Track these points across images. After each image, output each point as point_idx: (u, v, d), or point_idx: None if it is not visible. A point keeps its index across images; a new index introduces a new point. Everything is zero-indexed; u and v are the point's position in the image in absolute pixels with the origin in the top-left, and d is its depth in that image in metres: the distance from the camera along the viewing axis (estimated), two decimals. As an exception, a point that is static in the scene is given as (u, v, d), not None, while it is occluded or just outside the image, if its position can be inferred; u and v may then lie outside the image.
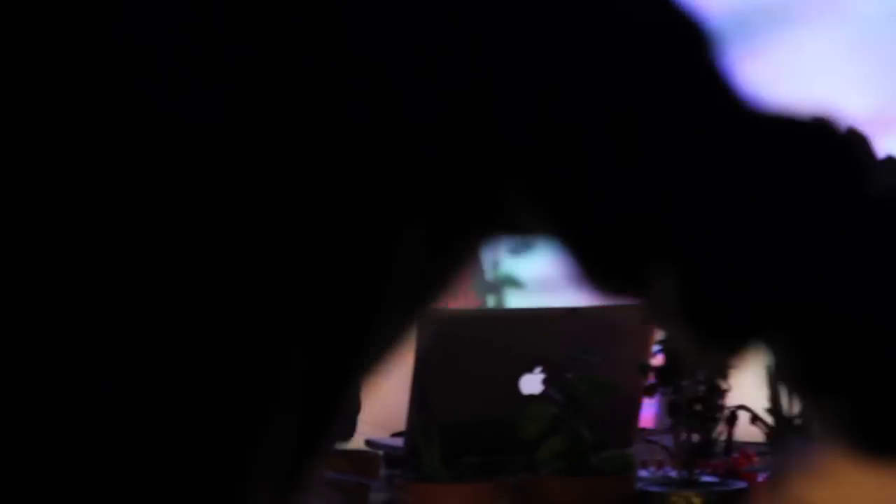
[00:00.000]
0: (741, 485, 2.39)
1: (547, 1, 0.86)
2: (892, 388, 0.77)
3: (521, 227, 0.88)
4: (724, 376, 2.41)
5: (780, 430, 2.43)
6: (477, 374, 2.60)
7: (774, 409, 2.41)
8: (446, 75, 0.82)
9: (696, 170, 0.83)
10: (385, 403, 3.22)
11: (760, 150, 0.83)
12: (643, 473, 2.43)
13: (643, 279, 0.82)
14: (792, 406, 2.36)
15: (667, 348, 2.44)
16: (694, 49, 0.84)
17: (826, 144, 0.81)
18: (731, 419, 2.46)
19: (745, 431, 2.53)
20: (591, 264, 0.83)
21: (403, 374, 2.89)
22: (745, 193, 0.82)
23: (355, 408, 3.83)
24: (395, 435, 2.86)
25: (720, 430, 2.44)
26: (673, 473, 2.38)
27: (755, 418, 2.44)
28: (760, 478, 2.44)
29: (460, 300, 3.74)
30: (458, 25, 0.83)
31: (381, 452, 2.73)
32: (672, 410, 2.43)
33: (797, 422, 2.35)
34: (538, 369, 2.50)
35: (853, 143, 0.83)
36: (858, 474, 0.85)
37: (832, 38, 4.64)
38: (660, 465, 2.44)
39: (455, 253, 0.89)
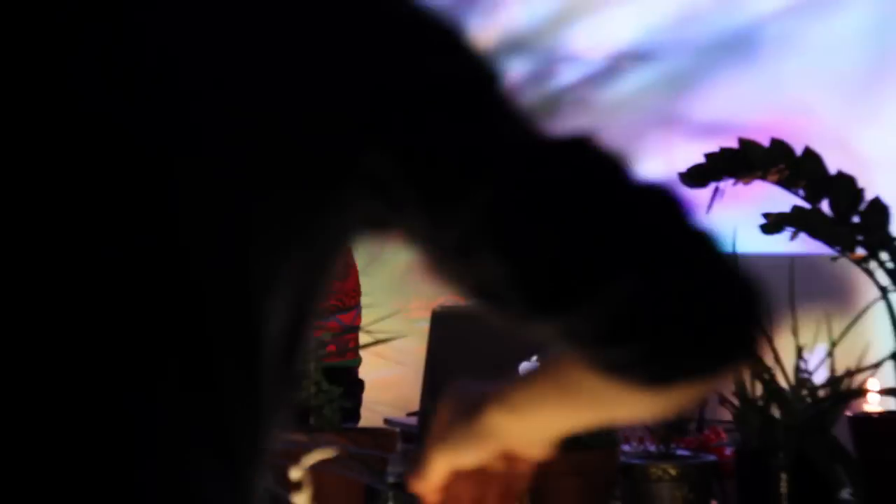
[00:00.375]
0: (711, 458, 2.56)
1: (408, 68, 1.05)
2: (668, 337, 0.98)
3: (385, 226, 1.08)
4: None
5: (745, 409, 2.55)
6: (481, 362, 2.57)
7: (739, 392, 2.52)
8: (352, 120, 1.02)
9: (534, 193, 1.03)
10: (402, 388, 3.54)
11: (548, 169, 1.05)
12: (625, 448, 2.57)
13: (479, 275, 1.01)
14: (753, 389, 2.50)
15: None
16: (488, 90, 1.05)
17: (590, 158, 1.03)
18: (702, 401, 2.69)
19: (715, 412, 2.74)
20: (435, 258, 1.03)
21: (418, 364, 3.23)
22: (539, 201, 1.03)
23: (358, 396, 3.98)
24: (410, 414, 3.17)
25: (692, 410, 2.62)
26: (651, 448, 2.54)
27: (723, 400, 2.54)
28: (728, 451, 2.64)
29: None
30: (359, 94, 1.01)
31: (398, 430, 2.89)
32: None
33: (759, 403, 2.50)
34: (534, 357, 2.52)
35: (604, 153, 1.04)
36: (548, 407, 1.13)
37: (794, 64, 4.87)
38: (640, 441, 2.58)
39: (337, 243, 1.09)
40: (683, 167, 2.59)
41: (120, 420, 0.94)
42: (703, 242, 1.02)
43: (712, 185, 2.52)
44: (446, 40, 1.07)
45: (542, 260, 1.02)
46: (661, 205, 1.04)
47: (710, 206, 2.50)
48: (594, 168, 1.04)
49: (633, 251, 1.03)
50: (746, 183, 2.57)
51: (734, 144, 2.58)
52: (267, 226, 1.03)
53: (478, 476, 1.24)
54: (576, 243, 1.02)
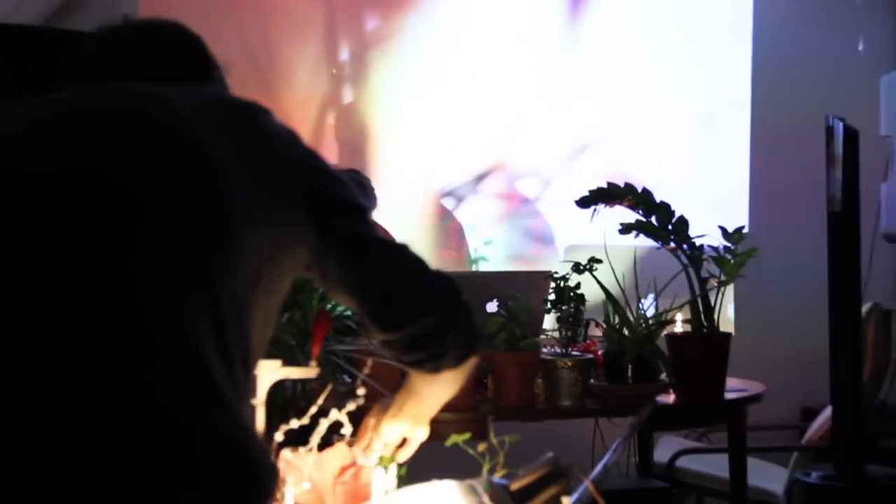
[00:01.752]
0: (590, 356, 3.39)
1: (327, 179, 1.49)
2: (454, 347, 1.58)
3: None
4: (583, 305, 3.37)
5: (609, 330, 3.37)
6: (473, 303, 2.37)
7: (606, 320, 3.33)
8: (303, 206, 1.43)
9: (394, 259, 1.55)
10: None
11: (405, 254, 1.59)
12: (545, 350, 3.37)
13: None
14: (614, 319, 3.34)
15: (555, 292, 3.38)
16: (361, 211, 1.54)
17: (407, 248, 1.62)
18: (587, 324, 3.49)
19: (591, 331, 3.56)
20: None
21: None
22: (422, 279, 1.59)
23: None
24: None
25: (581, 329, 3.45)
26: (558, 350, 3.35)
27: (597, 324, 3.42)
28: (600, 352, 3.44)
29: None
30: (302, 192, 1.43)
31: None
32: (558, 320, 3.37)
33: (616, 326, 3.32)
34: (495, 300, 3.29)
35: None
36: (424, 386, 1.77)
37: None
38: (552, 346, 3.39)
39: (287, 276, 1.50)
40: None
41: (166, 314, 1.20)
42: (455, 294, 1.59)
43: (593, 208, 3.34)
44: (344, 180, 1.52)
45: (374, 309, 1.55)
46: (444, 275, 1.60)
47: (591, 218, 3.36)
48: (398, 254, 1.56)
49: (435, 302, 1.55)
50: (611, 206, 3.34)
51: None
52: (267, 247, 1.39)
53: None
54: (390, 296, 1.54)
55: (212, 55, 1.63)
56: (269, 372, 1.90)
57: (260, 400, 1.80)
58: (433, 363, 1.59)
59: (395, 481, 2.06)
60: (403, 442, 1.97)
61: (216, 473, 1.14)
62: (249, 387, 1.32)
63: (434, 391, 1.78)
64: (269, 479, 1.23)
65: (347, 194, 1.51)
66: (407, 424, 1.90)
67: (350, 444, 2.03)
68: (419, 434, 1.93)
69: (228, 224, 1.29)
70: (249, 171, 1.36)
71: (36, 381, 1.10)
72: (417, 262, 1.55)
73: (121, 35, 1.60)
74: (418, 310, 1.52)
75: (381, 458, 1.96)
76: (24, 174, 1.25)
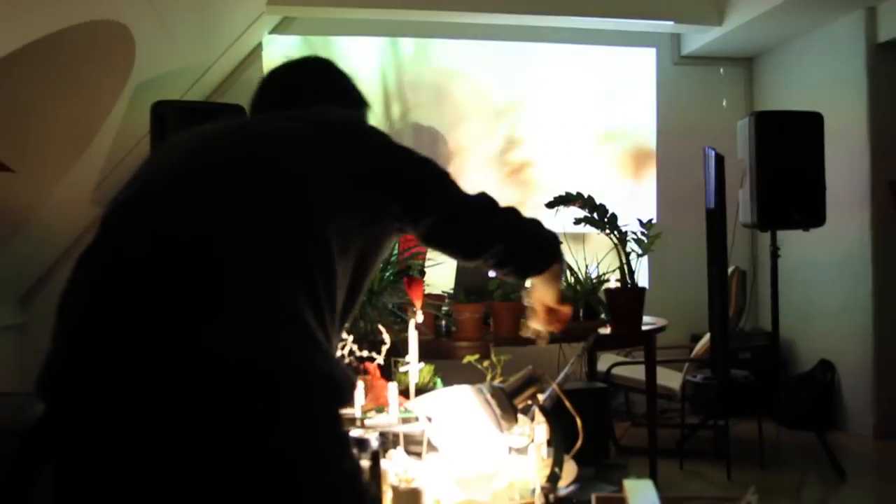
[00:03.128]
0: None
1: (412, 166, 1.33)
2: (526, 256, 1.42)
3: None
4: None
5: (570, 287, 3.34)
6: (480, 270, 2.51)
7: (567, 280, 3.29)
8: (392, 196, 1.29)
9: (455, 214, 1.35)
10: (448, 279, 3.66)
11: (471, 205, 1.37)
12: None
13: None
14: (572, 277, 3.34)
15: None
16: (438, 177, 1.34)
17: (484, 199, 1.37)
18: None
19: None
20: (422, 241, 1.36)
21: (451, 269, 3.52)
22: (483, 222, 1.37)
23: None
24: (451, 290, 3.40)
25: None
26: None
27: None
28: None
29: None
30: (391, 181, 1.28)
31: (445, 296, 3.34)
32: None
33: (570, 283, 3.33)
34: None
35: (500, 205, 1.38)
36: (535, 282, 1.57)
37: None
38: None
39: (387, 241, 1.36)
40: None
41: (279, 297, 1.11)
42: (533, 223, 1.42)
43: (556, 208, 3.35)
44: (424, 159, 1.35)
45: (461, 241, 1.38)
46: (507, 210, 1.39)
47: (555, 215, 3.34)
48: (483, 203, 1.38)
49: (500, 233, 1.37)
50: (568, 207, 3.35)
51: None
52: (353, 227, 1.25)
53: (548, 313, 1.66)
54: (475, 233, 1.37)
55: (342, 79, 1.50)
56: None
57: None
58: (519, 273, 1.45)
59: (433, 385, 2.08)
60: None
61: (310, 389, 1.10)
62: (339, 329, 1.22)
63: (540, 285, 1.57)
64: (346, 391, 1.17)
65: (432, 171, 1.35)
66: (542, 300, 1.63)
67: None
68: (553, 300, 1.62)
69: (308, 215, 1.19)
70: (335, 172, 1.24)
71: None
72: (488, 206, 1.37)
73: (274, 73, 1.51)
74: (491, 241, 1.35)
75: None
76: (182, 191, 1.20)
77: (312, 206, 1.18)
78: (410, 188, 1.31)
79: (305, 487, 1.06)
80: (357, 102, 1.51)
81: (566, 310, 1.65)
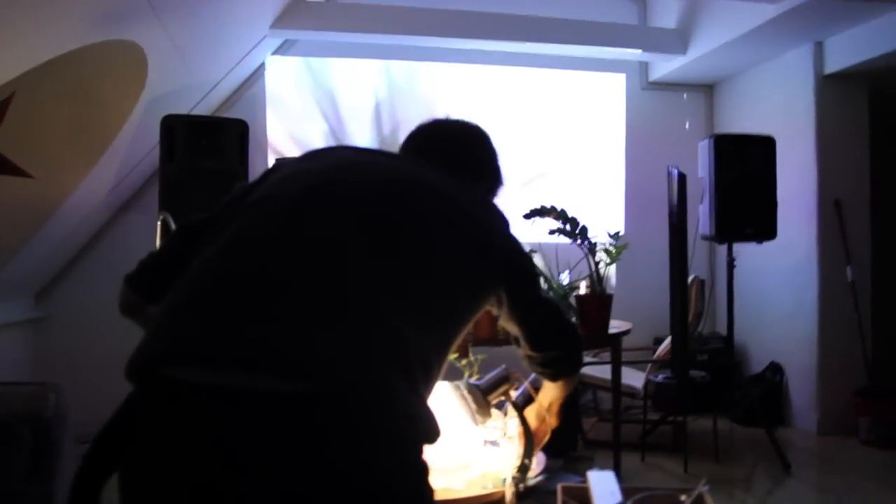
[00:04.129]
0: None
1: (513, 248, 1.34)
2: (565, 367, 1.51)
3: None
4: None
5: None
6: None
7: (543, 280, 3.59)
8: (499, 269, 1.30)
9: (547, 315, 1.43)
10: None
11: (554, 311, 1.46)
12: None
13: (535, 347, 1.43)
14: (545, 284, 3.27)
15: None
16: (533, 275, 1.40)
17: (559, 308, 1.47)
18: None
19: None
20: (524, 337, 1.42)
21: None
22: (555, 325, 1.46)
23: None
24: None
25: None
26: None
27: None
28: None
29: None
30: (497, 254, 1.29)
31: None
32: None
33: (549, 292, 3.32)
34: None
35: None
36: (549, 388, 1.64)
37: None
38: None
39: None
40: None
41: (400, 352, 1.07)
42: (580, 342, 1.50)
43: (533, 219, 3.27)
44: (521, 248, 1.37)
45: (539, 336, 1.44)
46: (572, 326, 1.50)
47: (532, 224, 3.26)
48: (556, 310, 1.46)
49: (563, 342, 1.47)
50: (543, 218, 3.28)
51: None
52: (462, 298, 1.25)
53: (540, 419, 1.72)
54: (550, 334, 1.45)
55: (490, 156, 1.54)
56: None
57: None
58: (554, 376, 1.55)
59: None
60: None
61: (408, 428, 1.08)
62: (435, 376, 1.19)
63: (554, 390, 1.66)
64: (436, 435, 1.15)
65: (530, 268, 1.41)
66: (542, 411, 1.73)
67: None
68: (550, 421, 1.73)
69: (441, 268, 1.19)
70: (474, 242, 1.25)
71: (310, 347, 1.02)
72: (560, 315, 1.48)
73: (434, 129, 1.53)
74: (553, 345, 1.47)
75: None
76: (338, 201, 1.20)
77: (455, 272, 1.20)
78: (519, 276, 1.35)
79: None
80: (496, 179, 1.56)
81: (553, 422, 1.71)
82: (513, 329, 1.44)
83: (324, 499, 0.98)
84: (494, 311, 1.39)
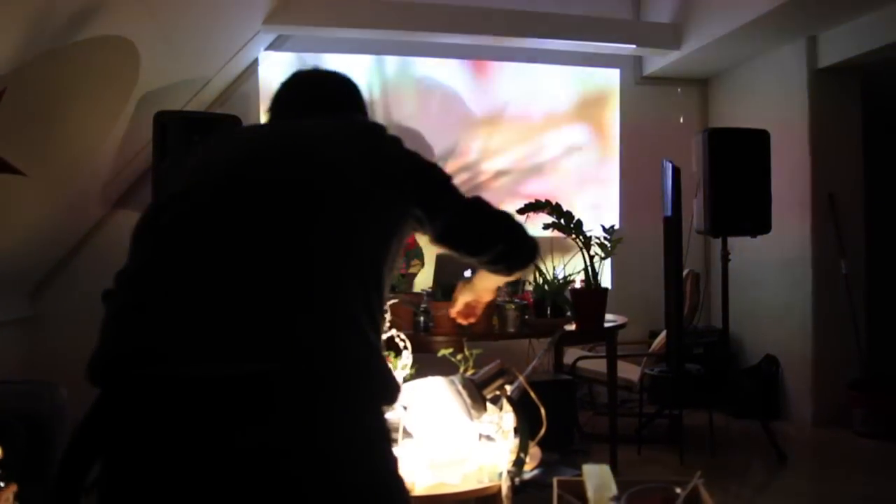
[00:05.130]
0: (525, 302, 3.30)
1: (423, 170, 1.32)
2: (518, 256, 1.42)
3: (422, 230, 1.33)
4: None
5: (537, 285, 3.30)
6: (456, 271, 2.86)
7: (535, 279, 3.30)
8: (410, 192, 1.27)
9: (471, 215, 1.37)
10: (426, 279, 3.84)
11: (477, 208, 1.38)
12: (499, 299, 3.24)
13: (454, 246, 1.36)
14: (537, 278, 3.27)
15: None
16: (447, 182, 1.34)
17: (485, 203, 1.38)
18: (524, 283, 3.45)
19: (526, 286, 3.48)
20: (432, 239, 1.35)
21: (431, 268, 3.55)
22: (484, 221, 1.39)
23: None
24: (430, 287, 3.47)
25: (520, 286, 3.42)
26: (507, 298, 3.30)
27: (529, 283, 3.38)
28: (531, 298, 3.32)
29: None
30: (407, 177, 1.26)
31: (424, 294, 3.35)
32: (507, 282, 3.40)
33: (540, 282, 3.27)
34: (469, 270, 2.67)
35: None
36: (480, 279, 1.67)
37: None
38: (503, 296, 3.30)
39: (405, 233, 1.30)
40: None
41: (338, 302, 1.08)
42: (522, 229, 1.42)
43: (527, 214, 3.27)
44: (422, 161, 1.34)
45: (470, 241, 1.39)
46: (504, 215, 1.41)
47: (526, 220, 3.21)
48: (479, 205, 1.40)
49: (500, 235, 1.39)
50: (538, 213, 3.30)
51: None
52: (380, 218, 1.23)
53: (469, 305, 1.81)
54: (481, 234, 1.38)
55: (360, 93, 1.51)
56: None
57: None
58: (507, 271, 1.47)
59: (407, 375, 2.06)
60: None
61: (366, 390, 1.10)
62: (381, 323, 1.19)
63: (491, 277, 1.65)
64: (392, 390, 1.17)
65: (441, 178, 1.37)
66: (473, 296, 1.78)
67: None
68: (481, 304, 1.81)
69: (357, 217, 1.18)
70: (375, 175, 1.22)
71: (248, 327, 1.03)
72: (489, 211, 1.40)
73: (308, 81, 1.50)
74: (491, 241, 1.39)
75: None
76: (248, 179, 1.18)
77: (362, 208, 1.18)
78: (428, 189, 1.31)
79: (350, 477, 1.07)
80: (365, 112, 1.52)
81: (481, 308, 1.78)
82: (444, 247, 1.40)
83: (294, 470, 1.01)
84: (421, 233, 1.39)
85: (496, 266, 1.43)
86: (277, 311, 1.03)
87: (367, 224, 1.18)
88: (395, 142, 1.32)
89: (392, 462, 1.16)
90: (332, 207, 1.15)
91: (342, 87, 1.48)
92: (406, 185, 1.27)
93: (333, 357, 1.04)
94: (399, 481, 1.17)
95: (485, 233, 1.38)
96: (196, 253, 1.09)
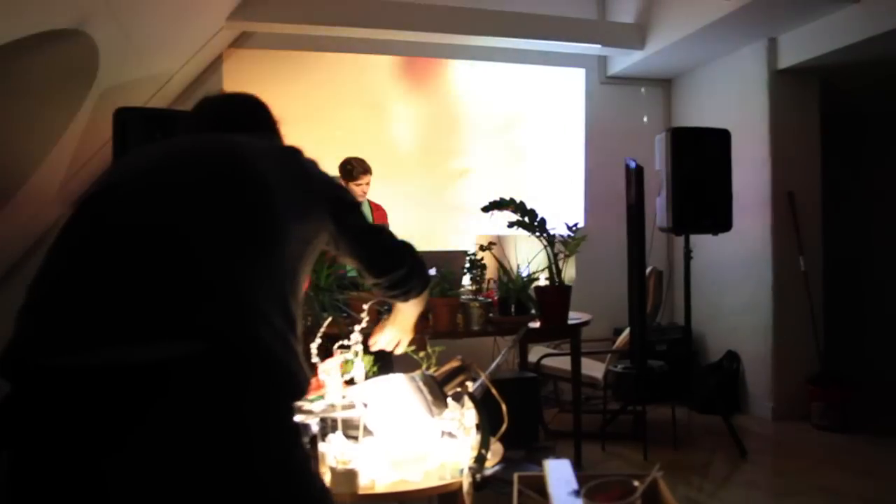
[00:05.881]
0: (490, 300, 3.31)
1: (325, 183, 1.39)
2: (413, 284, 1.52)
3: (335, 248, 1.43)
4: (485, 270, 3.33)
5: (501, 283, 3.30)
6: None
7: (499, 276, 3.32)
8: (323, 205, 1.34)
9: (378, 238, 1.48)
10: None
11: (384, 233, 1.50)
12: (463, 297, 3.32)
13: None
14: (501, 275, 3.29)
15: (469, 262, 3.34)
16: (353, 202, 1.43)
17: (390, 231, 1.50)
18: (488, 281, 3.46)
19: (490, 284, 3.47)
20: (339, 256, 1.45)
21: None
22: (390, 246, 1.49)
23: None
24: None
25: (484, 284, 3.43)
26: (471, 296, 3.34)
27: (493, 280, 3.40)
28: (495, 297, 3.33)
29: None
30: (317, 192, 1.33)
31: None
32: (471, 279, 3.37)
33: (504, 280, 3.27)
34: (434, 268, 3.11)
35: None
36: (405, 307, 1.74)
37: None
38: (467, 294, 3.36)
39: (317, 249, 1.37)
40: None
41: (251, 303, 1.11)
42: (422, 260, 1.53)
43: (491, 212, 3.31)
44: (336, 183, 1.44)
45: (374, 260, 1.48)
46: (407, 244, 1.53)
47: (491, 217, 3.33)
48: (387, 232, 1.50)
49: (403, 260, 1.49)
50: (502, 211, 3.31)
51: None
52: (305, 235, 1.30)
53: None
54: (385, 255, 1.48)
55: (273, 115, 1.55)
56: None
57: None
58: (405, 296, 1.55)
59: (368, 373, 2.05)
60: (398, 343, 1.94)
61: (275, 380, 1.10)
62: (298, 323, 1.22)
63: (409, 310, 1.74)
64: (302, 384, 1.18)
65: (349, 198, 1.45)
66: (396, 331, 1.87)
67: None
68: (406, 337, 1.89)
69: (278, 225, 1.21)
70: (294, 190, 1.28)
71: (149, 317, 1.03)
72: (392, 237, 1.51)
73: (219, 102, 1.53)
74: (394, 266, 1.48)
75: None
76: (160, 182, 1.19)
77: (279, 211, 1.20)
78: (339, 207, 1.39)
79: (259, 469, 1.06)
80: (279, 133, 1.56)
81: (407, 339, 1.88)
82: (352, 261, 1.47)
83: (201, 458, 1.01)
84: (332, 251, 1.44)
85: (394, 291, 1.51)
86: (179, 296, 1.05)
87: (283, 227, 1.21)
88: (313, 162, 1.38)
89: (305, 453, 1.16)
90: (252, 208, 1.18)
91: (256, 109, 1.52)
92: (320, 200, 1.33)
93: (244, 344, 1.05)
94: (313, 472, 1.18)
95: (389, 255, 1.48)
96: (100, 246, 1.11)
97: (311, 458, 1.17)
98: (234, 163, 1.23)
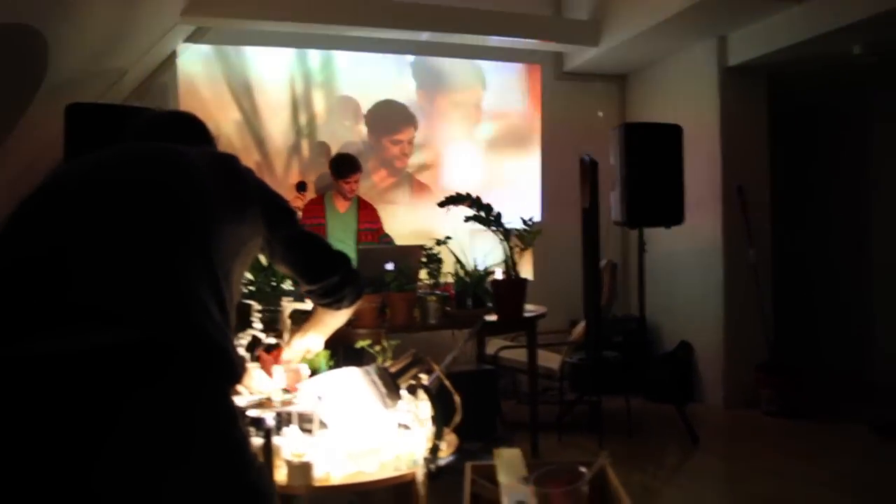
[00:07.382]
0: (447, 293, 3.34)
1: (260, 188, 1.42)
2: (346, 292, 1.54)
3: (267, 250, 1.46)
4: (441, 264, 3.32)
5: (458, 278, 3.35)
6: (378, 264, 3.21)
7: (456, 271, 3.35)
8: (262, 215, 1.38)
9: (313, 246, 1.52)
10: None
11: (320, 242, 1.53)
12: (420, 291, 3.30)
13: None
14: (459, 271, 3.34)
15: (426, 257, 3.33)
16: (288, 208, 1.47)
17: (323, 238, 1.56)
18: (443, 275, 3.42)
19: (446, 279, 3.48)
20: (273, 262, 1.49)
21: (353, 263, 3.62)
22: (325, 254, 1.53)
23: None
24: None
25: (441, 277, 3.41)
26: (428, 290, 3.33)
27: (450, 274, 3.39)
28: (453, 291, 3.37)
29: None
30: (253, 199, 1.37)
31: None
32: (428, 274, 3.34)
33: (461, 275, 3.33)
34: (391, 262, 3.23)
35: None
36: (328, 318, 1.69)
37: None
38: (424, 288, 3.31)
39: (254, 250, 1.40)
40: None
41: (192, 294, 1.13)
42: (356, 269, 1.55)
43: (448, 207, 3.30)
44: (281, 196, 1.49)
45: (308, 264, 1.50)
46: (341, 252, 1.55)
47: (447, 212, 3.30)
48: (322, 241, 1.56)
49: (337, 267, 1.52)
50: (458, 206, 3.31)
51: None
52: (240, 235, 1.33)
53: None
54: (319, 261, 1.50)
55: (209, 130, 1.58)
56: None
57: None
58: (336, 304, 1.55)
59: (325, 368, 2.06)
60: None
61: (216, 366, 1.12)
62: (232, 318, 1.24)
63: (332, 321, 1.71)
64: (239, 370, 1.21)
65: (284, 205, 1.49)
66: (310, 341, 1.82)
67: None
68: (316, 347, 1.84)
69: (213, 223, 1.24)
70: (229, 193, 1.31)
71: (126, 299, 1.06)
72: (328, 246, 1.53)
73: (160, 116, 1.56)
74: (327, 273, 1.50)
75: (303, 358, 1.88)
76: (116, 180, 1.22)
77: (216, 216, 1.24)
78: (274, 211, 1.42)
79: (199, 449, 1.07)
80: (215, 145, 1.58)
81: (318, 349, 1.83)
82: (286, 267, 1.49)
83: (144, 439, 1.02)
84: (265, 258, 1.47)
85: (327, 299, 1.52)
86: (118, 286, 1.07)
87: (218, 227, 1.24)
88: (248, 170, 1.41)
89: (243, 434, 1.18)
90: (187, 207, 1.21)
91: (194, 122, 1.55)
92: (255, 203, 1.36)
93: (186, 330, 1.08)
94: (251, 453, 1.19)
95: (323, 262, 1.50)
96: (42, 239, 1.13)
97: (249, 440, 1.19)
98: (171, 165, 1.26)
